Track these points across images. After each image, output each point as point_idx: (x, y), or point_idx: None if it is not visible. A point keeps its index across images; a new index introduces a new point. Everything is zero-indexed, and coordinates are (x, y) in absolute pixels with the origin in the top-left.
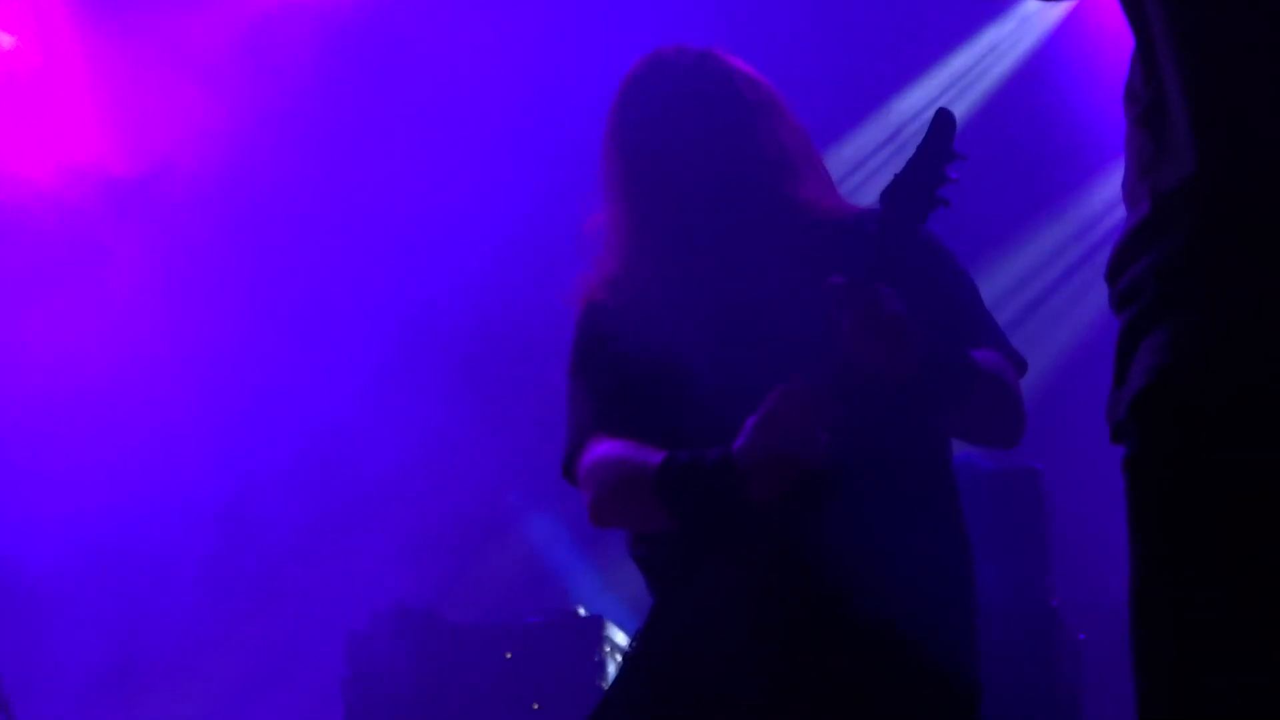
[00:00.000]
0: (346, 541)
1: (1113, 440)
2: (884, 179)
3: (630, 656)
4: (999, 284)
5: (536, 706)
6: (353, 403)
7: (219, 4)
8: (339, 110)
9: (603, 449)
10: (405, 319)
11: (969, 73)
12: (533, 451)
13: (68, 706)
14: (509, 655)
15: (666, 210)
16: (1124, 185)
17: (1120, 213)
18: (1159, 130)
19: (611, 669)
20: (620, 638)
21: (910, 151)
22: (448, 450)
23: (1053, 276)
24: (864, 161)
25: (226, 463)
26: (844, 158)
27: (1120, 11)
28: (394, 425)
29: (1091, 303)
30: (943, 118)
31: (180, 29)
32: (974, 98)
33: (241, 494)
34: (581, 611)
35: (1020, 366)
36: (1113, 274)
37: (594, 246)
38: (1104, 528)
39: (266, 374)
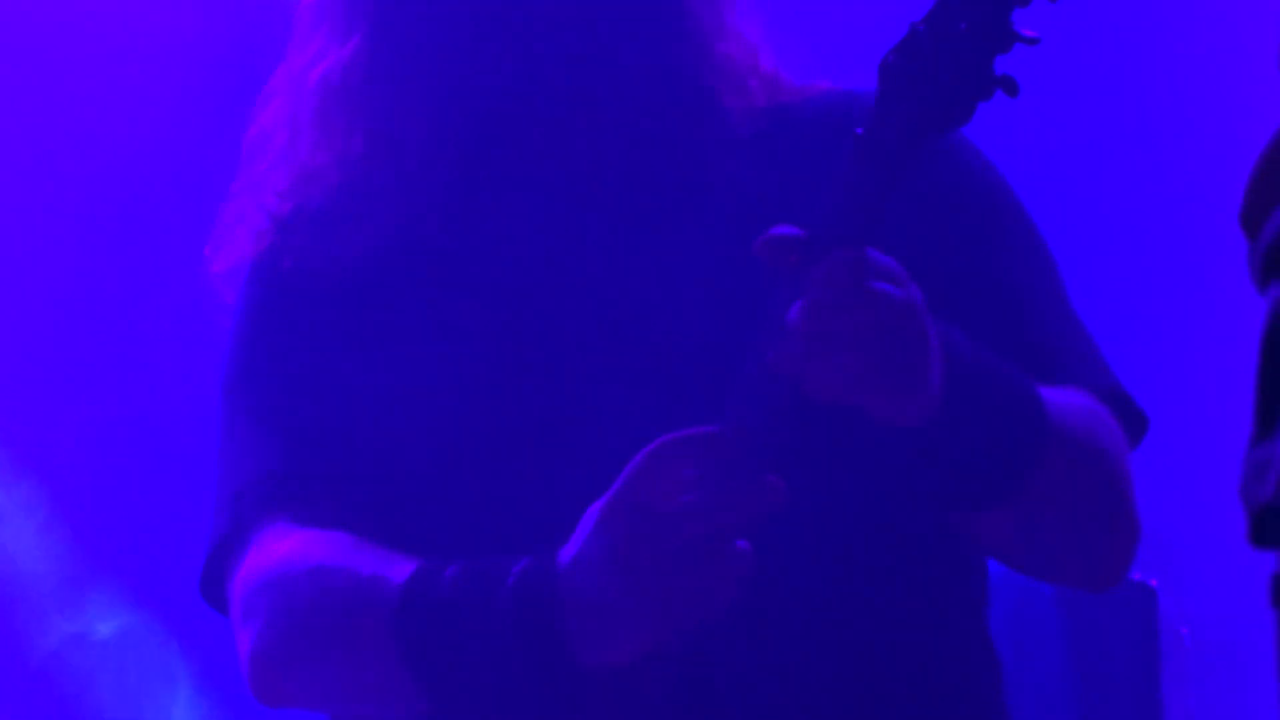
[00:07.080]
0: None
1: (1253, 539)
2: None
3: None
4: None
5: None
6: None
7: None
8: None
9: (289, 547)
10: None
11: None
12: None
13: None
14: None
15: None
16: None
17: None
18: None
19: None
20: None
21: None
22: None
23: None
24: None
25: None
26: None
27: None
28: None
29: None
30: None
31: None
32: None
33: None
34: None
35: (1134, 424)
36: (1252, 214)
37: (273, 162)
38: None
39: None
